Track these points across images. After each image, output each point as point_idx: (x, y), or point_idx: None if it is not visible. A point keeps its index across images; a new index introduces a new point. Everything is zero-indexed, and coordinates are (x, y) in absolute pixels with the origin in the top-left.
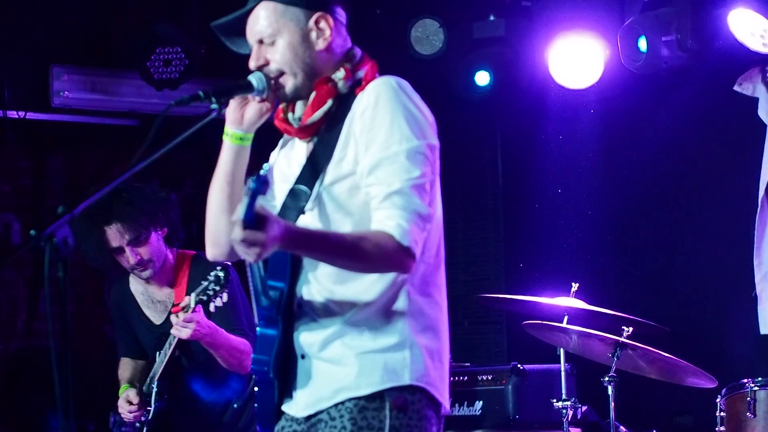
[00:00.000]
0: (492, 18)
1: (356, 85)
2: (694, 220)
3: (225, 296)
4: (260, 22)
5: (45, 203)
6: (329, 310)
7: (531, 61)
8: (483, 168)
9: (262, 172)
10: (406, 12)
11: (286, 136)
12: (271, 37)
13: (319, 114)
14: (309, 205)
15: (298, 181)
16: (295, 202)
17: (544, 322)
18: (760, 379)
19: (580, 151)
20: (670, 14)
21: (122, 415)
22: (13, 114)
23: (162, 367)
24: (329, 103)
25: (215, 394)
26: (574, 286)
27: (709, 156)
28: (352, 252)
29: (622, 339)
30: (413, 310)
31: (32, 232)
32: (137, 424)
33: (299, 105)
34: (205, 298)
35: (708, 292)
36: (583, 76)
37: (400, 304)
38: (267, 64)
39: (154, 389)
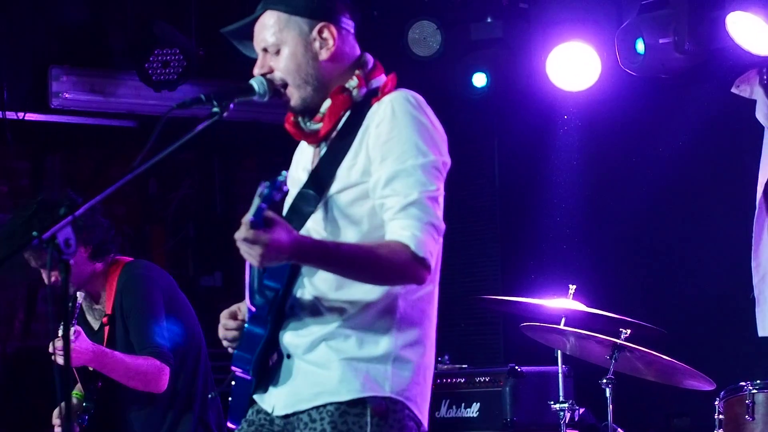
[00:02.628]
0: (489, 20)
1: (372, 95)
2: (692, 221)
3: (73, 329)
4: (265, 30)
5: None
6: (320, 315)
7: (528, 62)
8: (480, 169)
9: (279, 178)
10: (403, 13)
11: (300, 145)
12: (274, 47)
13: (336, 124)
14: (316, 210)
15: (307, 185)
16: (302, 206)
17: (542, 324)
18: (758, 381)
19: (577, 152)
20: (668, 16)
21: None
22: (11, 115)
23: (78, 379)
24: (345, 113)
25: (142, 409)
26: (572, 288)
27: (706, 158)
28: (367, 263)
29: (619, 341)
30: (403, 324)
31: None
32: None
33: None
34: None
35: (706, 294)
36: (581, 78)
37: (392, 316)
38: (271, 71)
39: (84, 403)
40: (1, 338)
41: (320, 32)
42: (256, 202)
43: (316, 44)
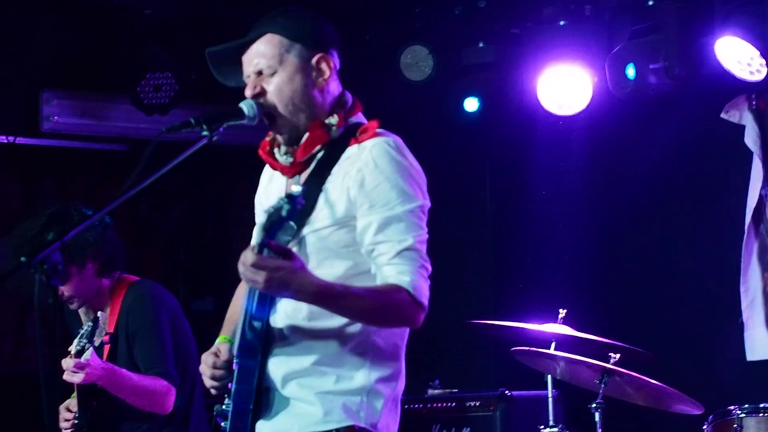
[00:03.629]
0: (481, 45)
1: (350, 134)
2: (681, 246)
3: (89, 352)
4: (263, 53)
5: None
6: (297, 348)
7: (520, 87)
8: (472, 194)
9: (295, 191)
10: (396, 38)
11: (265, 172)
12: (271, 69)
13: (309, 156)
14: (291, 244)
15: None
16: (280, 235)
17: (532, 349)
18: (746, 405)
19: (568, 177)
20: (658, 42)
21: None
22: (3, 139)
23: (77, 397)
24: (319, 147)
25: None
26: (562, 312)
27: (696, 182)
28: (374, 307)
29: (609, 365)
30: (377, 359)
31: (22, 258)
32: None
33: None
34: (79, 348)
35: (695, 318)
36: (572, 102)
37: (366, 352)
38: (263, 93)
39: (76, 420)
40: None
41: (318, 62)
42: (265, 224)
43: (313, 73)
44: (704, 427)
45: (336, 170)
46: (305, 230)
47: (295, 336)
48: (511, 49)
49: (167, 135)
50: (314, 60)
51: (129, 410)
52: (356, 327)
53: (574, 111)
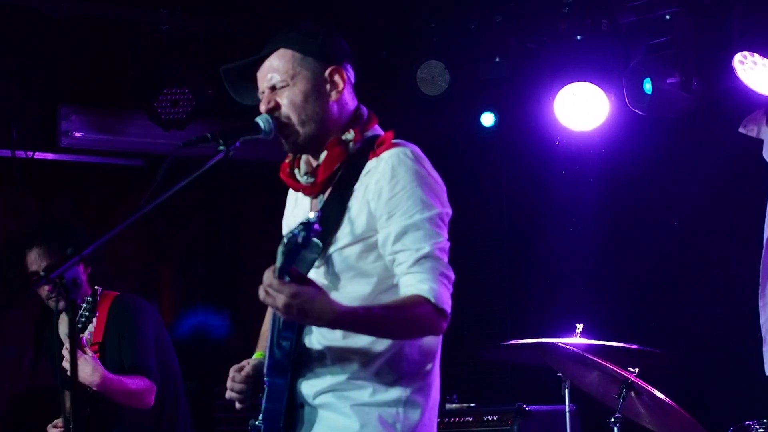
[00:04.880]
0: (497, 59)
1: (368, 147)
2: (699, 261)
3: (94, 322)
4: (276, 67)
5: None
6: (330, 364)
7: (536, 102)
8: (488, 209)
9: (311, 218)
10: (412, 53)
11: (290, 194)
12: (284, 82)
13: (330, 175)
14: (318, 263)
15: None
16: (306, 254)
17: (559, 344)
18: (765, 420)
19: (585, 192)
20: (675, 56)
21: None
22: (21, 154)
23: (69, 404)
24: (339, 165)
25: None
26: (579, 327)
27: (714, 196)
28: (396, 323)
29: (631, 377)
30: (411, 370)
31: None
32: None
33: (304, 160)
34: (79, 326)
35: (713, 333)
36: (588, 118)
37: (400, 363)
38: (278, 107)
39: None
40: (10, 376)
41: (331, 75)
42: (283, 250)
43: (327, 86)
44: None
45: (357, 186)
46: (331, 249)
47: (330, 354)
48: (527, 64)
49: (184, 150)
50: (327, 72)
51: (119, 417)
52: (389, 340)
53: (591, 126)
